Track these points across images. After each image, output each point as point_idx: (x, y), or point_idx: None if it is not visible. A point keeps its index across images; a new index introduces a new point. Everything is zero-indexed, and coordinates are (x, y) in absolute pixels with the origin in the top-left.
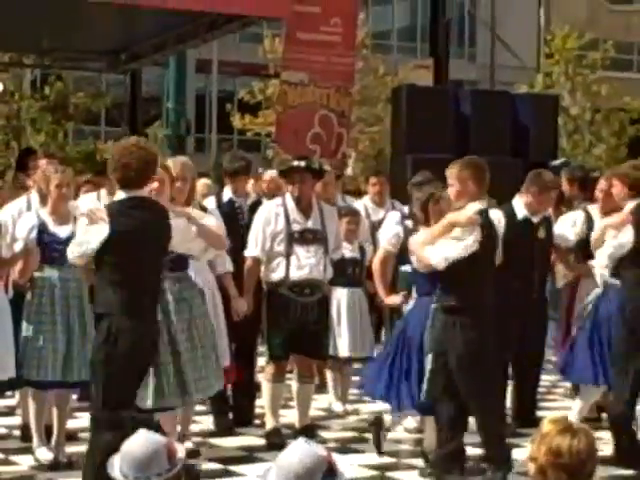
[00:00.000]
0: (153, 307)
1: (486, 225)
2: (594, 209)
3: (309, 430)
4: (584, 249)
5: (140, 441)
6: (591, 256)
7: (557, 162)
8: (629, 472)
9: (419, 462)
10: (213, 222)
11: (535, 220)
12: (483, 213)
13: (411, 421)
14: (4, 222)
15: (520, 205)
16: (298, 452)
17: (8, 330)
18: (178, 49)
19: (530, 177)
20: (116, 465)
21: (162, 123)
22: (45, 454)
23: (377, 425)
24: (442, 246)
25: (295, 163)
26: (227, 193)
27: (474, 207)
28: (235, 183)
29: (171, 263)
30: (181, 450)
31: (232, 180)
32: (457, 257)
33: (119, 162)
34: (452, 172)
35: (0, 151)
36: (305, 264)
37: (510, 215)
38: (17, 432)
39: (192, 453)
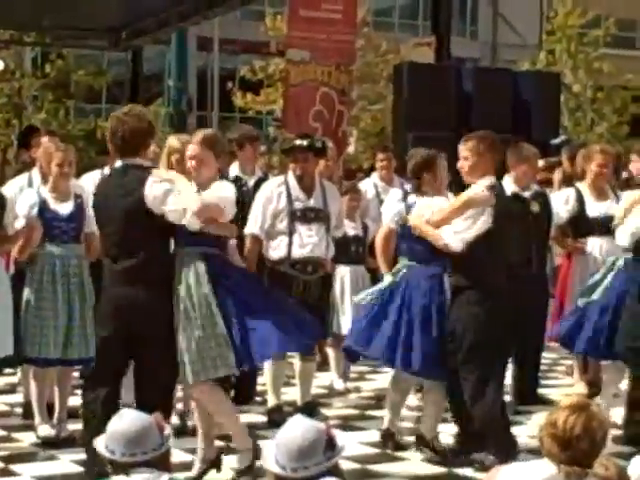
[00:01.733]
0: (121, 271)
1: (499, 201)
2: (584, 186)
3: (311, 407)
4: (575, 226)
5: (130, 419)
6: (582, 233)
7: (557, 140)
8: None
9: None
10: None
11: (526, 194)
12: (496, 188)
13: (413, 399)
14: (10, 197)
15: (508, 181)
16: (298, 427)
17: (7, 307)
18: (179, 26)
19: (509, 151)
20: (103, 444)
21: (164, 101)
22: (47, 431)
23: (387, 437)
24: (458, 227)
25: (298, 142)
26: (234, 170)
27: (485, 182)
28: (244, 151)
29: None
30: (167, 426)
31: (240, 149)
32: (473, 237)
33: (112, 132)
34: (469, 145)
35: (1, 129)
36: (307, 242)
37: (500, 192)
38: (19, 409)
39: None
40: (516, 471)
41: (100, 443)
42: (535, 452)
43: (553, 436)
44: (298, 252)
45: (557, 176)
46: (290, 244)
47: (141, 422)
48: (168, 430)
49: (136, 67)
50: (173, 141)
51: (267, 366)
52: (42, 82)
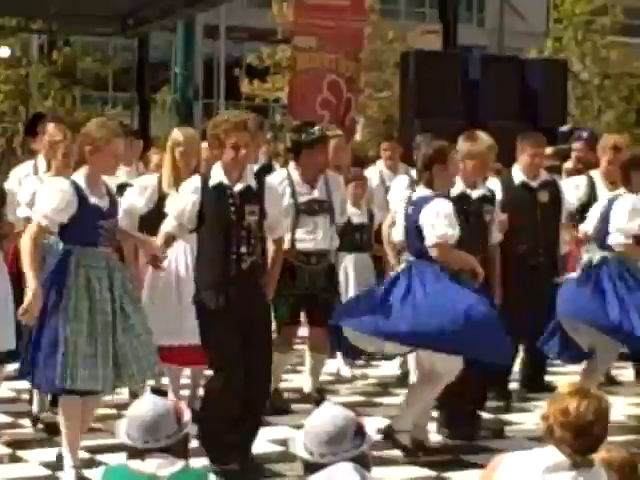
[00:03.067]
0: None
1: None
2: (596, 174)
3: (318, 393)
4: (585, 214)
5: (148, 404)
6: None
7: (565, 128)
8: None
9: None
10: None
11: (534, 184)
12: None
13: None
14: (9, 189)
15: (517, 171)
16: (328, 413)
17: (8, 301)
18: (186, 14)
19: (517, 140)
20: (123, 429)
21: (170, 88)
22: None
23: (388, 435)
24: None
25: (318, 131)
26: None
27: None
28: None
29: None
30: (187, 413)
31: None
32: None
33: None
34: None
35: (8, 116)
36: (311, 236)
37: (508, 182)
38: (26, 396)
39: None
40: (521, 459)
41: (121, 427)
42: (541, 439)
43: (565, 424)
44: (303, 245)
45: (567, 165)
46: (293, 237)
47: (158, 409)
48: (187, 417)
49: (142, 54)
50: (177, 134)
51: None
52: (49, 69)
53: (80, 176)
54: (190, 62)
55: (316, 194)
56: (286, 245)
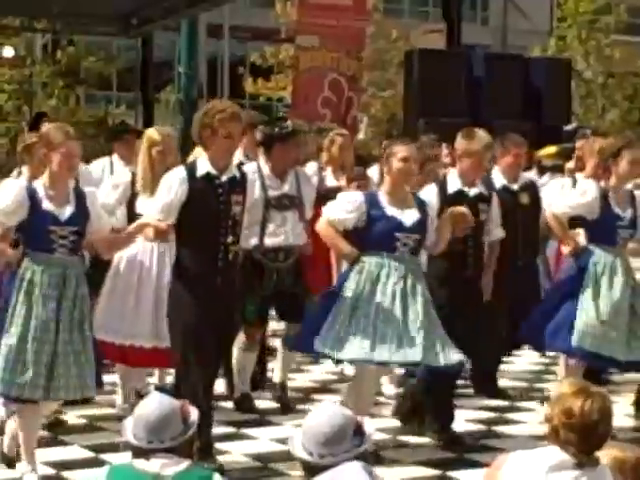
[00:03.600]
0: None
1: None
2: (580, 177)
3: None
4: (578, 220)
5: (154, 404)
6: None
7: (570, 127)
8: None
9: None
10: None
11: (515, 187)
12: None
13: (390, 388)
14: None
15: (497, 173)
16: (326, 413)
17: None
18: (189, 13)
19: (495, 142)
20: (129, 428)
21: (174, 88)
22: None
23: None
24: None
25: (293, 126)
26: (237, 155)
27: None
28: (247, 137)
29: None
30: (194, 413)
31: (243, 135)
32: None
33: None
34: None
35: (12, 116)
36: (280, 231)
37: (488, 185)
38: None
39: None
40: (524, 458)
41: (128, 426)
42: (544, 438)
43: (570, 425)
44: (271, 241)
45: (569, 165)
46: (262, 232)
47: (164, 409)
48: (194, 417)
49: (146, 54)
50: (153, 134)
51: (236, 356)
52: (52, 69)
53: (40, 181)
54: (194, 61)
55: (286, 189)
56: (255, 240)
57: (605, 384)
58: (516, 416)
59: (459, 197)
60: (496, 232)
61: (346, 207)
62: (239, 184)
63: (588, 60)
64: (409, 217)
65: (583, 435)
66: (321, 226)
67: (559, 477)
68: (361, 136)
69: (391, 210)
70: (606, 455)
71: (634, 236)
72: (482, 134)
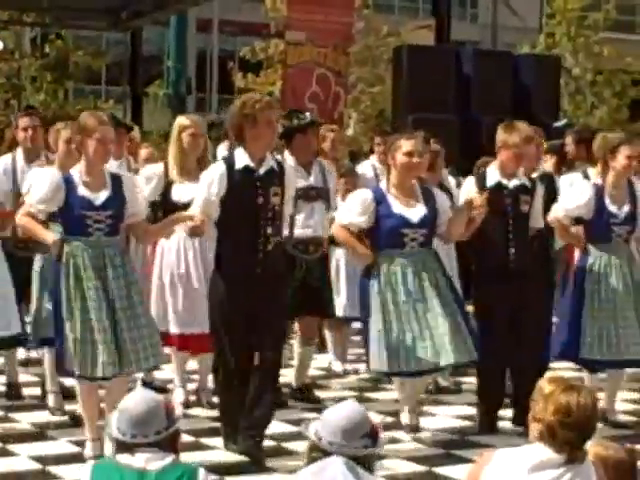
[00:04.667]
0: None
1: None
2: (593, 172)
3: (306, 389)
4: (579, 220)
5: (138, 399)
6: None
7: (560, 123)
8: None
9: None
10: None
11: (512, 185)
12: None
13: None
14: None
15: (493, 170)
16: (347, 409)
17: (8, 284)
18: (179, 7)
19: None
20: (114, 423)
21: (163, 82)
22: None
23: None
24: None
25: (307, 118)
26: (221, 150)
27: None
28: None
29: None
30: (178, 408)
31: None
32: None
33: None
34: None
35: (0, 110)
36: (309, 222)
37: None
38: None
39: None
40: (509, 456)
41: (112, 420)
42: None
43: (569, 425)
44: (301, 232)
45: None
46: (292, 224)
47: (148, 403)
48: (178, 411)
49: (135, 48)
50: (183, 119)
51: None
52: (41, 63)
53: (76, 168)
54: (183, 56)
55: (312, 180)
56: (285, 232)
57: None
58: (505, 413)
59: (498, 189)
60: (538, 221)
61: (357, 209)
62: (277, 176)
63: (577, 57)
64: (416, 213)
65: (579, 431)
66: (336, 230)
67: (542, 476)
68: (350, 132)
69: (398, 207)
70: (589, 452)
71: (632, 232)
72: (522, 126)
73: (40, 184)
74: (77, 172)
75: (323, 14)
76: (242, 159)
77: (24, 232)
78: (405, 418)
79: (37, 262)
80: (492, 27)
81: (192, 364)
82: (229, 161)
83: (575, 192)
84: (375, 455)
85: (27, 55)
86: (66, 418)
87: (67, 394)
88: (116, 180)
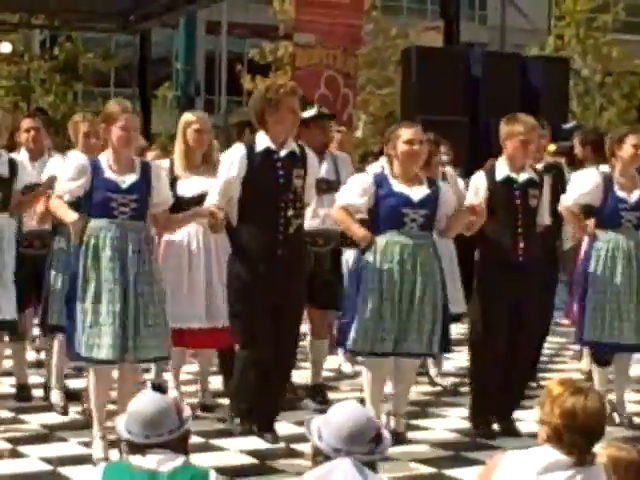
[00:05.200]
0: None
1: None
2: (605, 168)
3: (319, 390)
4: (590, 208)
5: (148, 400)
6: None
7: (569, 125)
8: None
9: (425, 422)
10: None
11: (521, 178)
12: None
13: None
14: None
15: (502, 163)
16: (352, 413)
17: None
18: (188, 10)
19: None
20: (123, 425)
21: (171, 84)
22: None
23: None
24: None
25: (305, 114)
26: None
27: None
28: (240, 137)
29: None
30: (187, 409)
31: (238, 135)
32: None
33: None
34: None
35: (9, 112)
36: (318, 214)
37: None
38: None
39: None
40: (519, 458)
41: (120, 423)
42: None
43: (575, 428)
44: (310, 224)
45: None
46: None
47: (159, 404)
48: (187, 412)
49: (144, 50)
50: (188, 115)
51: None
52: (50, 65)
53: (105, 153)
54: (192, 58)
55: (323, 172)
56: None
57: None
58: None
59: (508, 183)
60: (545, 218)
61: (357, 191)
62: (299, 159)
63: (586, 59)
64: (417, 193)
65: (586, 435)
66: (335, 212)
67: (552, 478)
68: (359, 134)
69: (398, 187)
70: (602, 453)
71: None
72: (525, 117)
73: (67, 166)
74: (105, 157)
75: (331, 16)
76: (263, 141)
77: (53, 212)
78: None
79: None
80: (501, 29)
81: (193, 366)
82: (250, 144)
83: (582, 180)
84: (380, 457)
85: (36, 57)
86: (76, 418)
87: (72, 397)
88: (145, 166)
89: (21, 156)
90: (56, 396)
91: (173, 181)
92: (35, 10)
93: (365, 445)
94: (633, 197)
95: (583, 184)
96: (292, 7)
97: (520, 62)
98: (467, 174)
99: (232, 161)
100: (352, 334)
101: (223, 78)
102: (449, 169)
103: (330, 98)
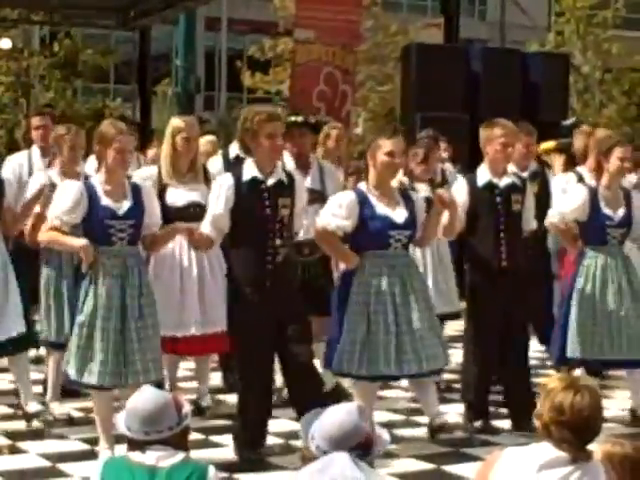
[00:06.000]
0: None
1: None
2: (584, 170)
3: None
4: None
5: (147, 397)
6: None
7: (568, 122)
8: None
9: (423, 418)
10: None
11: (524, 175)
12: None
13: None
14: (7, 178)
15: (484, 169)
16: (342, 417)
17: (12, 286)
18: (187, 6)
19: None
20: (122, 421)
21: (171, 81)
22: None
23: None
24: None
25: (292, 118)
26: (234, 149)
27: None
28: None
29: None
30: (187, 405)
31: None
32: None
33: None
34: None
35: (9, 108)
36: (303, 224)
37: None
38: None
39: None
40: (517, 454)
41: (120, 419)
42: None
43: (562, 423)
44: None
45: (560, 159)
46: None
47: (158, 400)
48: (187, 408)
49: (144, 47)
50: (177, 121)
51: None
52: (50, 61)
53: (96, 177)
54: (191, 54)
55: (309, 182)
56: None
57: (602, 378)
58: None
59: (489, 189)
60: (530, 223)
61: (341, 213)
62: (287, 187)
63: (586, 55)
64: (400, 215)
65: (575, 431)
66: (320, 233)
67: (551, 474)
68: (358, 131)
69: (382, 209)
70: (598, 449)
71: (627, 235)
72: (503, 121)
73: (62, 196)
74: (97, 182)
75: (331, 12)
76: (250, 170)
77: (51, 245)
78: None
79: (45, 269)
80: (500, 25)
81: (191, 363)
82: (237, 173)
83: (570, 196)
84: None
85: (36, 53)
86: (76, 416)
87: (69, 393)
88: (136, 190)
89: (33, 153)
90: (54, 407)
91: (162, 189)
92: (35, 6)
93: (350, 451)
94: (618, 214)
95: (573, 199)
96: (292, 3)
97: (520, 58)
98: (467, 171)
99: (220, 193)
100: (341, 356)
101: (223, 74)
102: (448, 166)
103: (329, 94)
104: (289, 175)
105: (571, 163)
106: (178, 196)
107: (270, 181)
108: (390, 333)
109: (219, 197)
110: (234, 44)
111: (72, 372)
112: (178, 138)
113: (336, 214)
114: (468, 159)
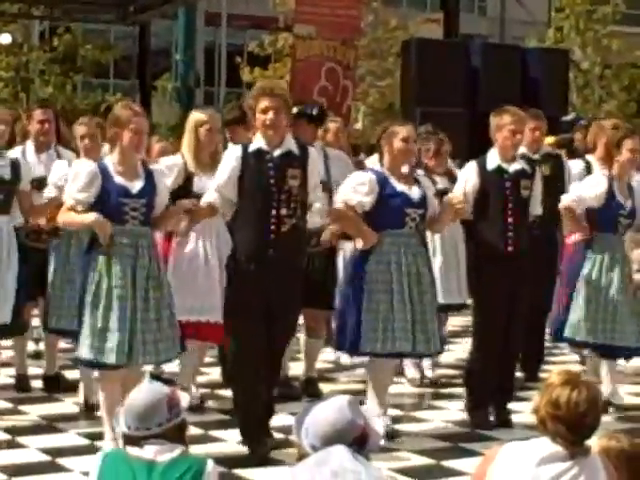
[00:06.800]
0: None
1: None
2: (593, 159)
3: (311, 384)
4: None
5: (142, 392)
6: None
7: (568, 117)
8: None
9: (423, 413)
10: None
11: (536, 157)
12: None
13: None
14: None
15: (494, 154)
16: (334, 413)
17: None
18: (187, 1)
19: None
20: (121, 417)
21: (171, 76)
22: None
23: None
24: None
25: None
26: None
27: None
28: (232, 133)
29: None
30: (184, 399)
31: (229, 130)
32: None
33: None
34: None
35: (9, 103)
36: (309, 214)
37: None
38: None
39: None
40: (517, 449)
41: (120, 416)
42: (536, 429)
43: (558, 418)
44: None
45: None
46: None
47: (150, 397)
48: (183, 403)
49: (143, 42)
50: (199, 114)
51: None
52: (50, 56)
53: (109, 158)
54: (191, 50)
55: None
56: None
57: None
58: (512, 405)
59: (498, 173)
60: (536, 208)
61: (362, 189)
62: (297, 158)
63: (585, 51)
64: (415, 193)
65: (570, 426)
66: (338, 211)
67: (549, 469)
68: (359, 126)
69: (400, 187)
70: (596, 444)
71: (631, 226)
72: (512, 109)
73: (76, 175)
74: (110, 162)
75: (331, 7)
76: (257, 142)
77: (66, 226)
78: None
79: (53, 254)
80: (500, 21)
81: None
82: (245, 145)
83: (591, 182)
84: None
85: (36, 48)
86: (76, 410)
87: (71, 389)
88: (148, 170)
89: (27, 148)
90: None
91: (189, 177)
92: (34, 1)
93: (347, 447)
94: (628, 204)
95: (591, 188)
96: None
97: (520, 54)
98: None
99: (228, 162)
100: (360, 335)
101: (223, 70)
102: (448, 161)
103: (330, 90)
104: (302, 147)
105: (572, 158)
106: (204, 184)
107: (277, 152)
108: (408, 311)
109: (227, 165)
110: (234, 39)
111: (86, 352)
112: (202, 130)
113: (358, 190)
114: (467, 154)
